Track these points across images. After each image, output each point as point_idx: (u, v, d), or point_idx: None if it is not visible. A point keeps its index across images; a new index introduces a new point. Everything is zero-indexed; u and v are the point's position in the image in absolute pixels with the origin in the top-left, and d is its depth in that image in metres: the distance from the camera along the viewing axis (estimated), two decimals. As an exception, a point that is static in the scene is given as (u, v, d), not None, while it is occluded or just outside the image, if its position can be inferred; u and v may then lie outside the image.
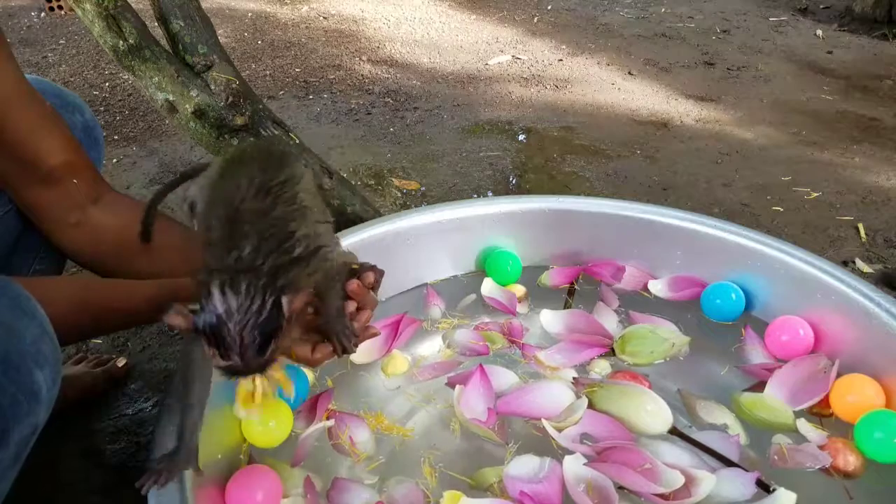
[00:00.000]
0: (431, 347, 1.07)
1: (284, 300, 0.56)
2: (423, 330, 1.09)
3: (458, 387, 0.95)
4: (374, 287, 0.74)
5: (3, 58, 0.70)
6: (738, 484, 0.82)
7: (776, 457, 0.86)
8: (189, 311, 0.55)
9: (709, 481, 0.80)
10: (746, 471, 0.83)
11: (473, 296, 1.16)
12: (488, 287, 1.16)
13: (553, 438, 0.88)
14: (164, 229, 0.78)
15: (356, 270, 0.74)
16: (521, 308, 1.14)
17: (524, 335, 1.08)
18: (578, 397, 0.93)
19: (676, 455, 0.86)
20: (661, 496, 0.79)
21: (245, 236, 0.58)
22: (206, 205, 0.63)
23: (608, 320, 1.09)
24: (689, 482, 0.80)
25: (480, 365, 0.96)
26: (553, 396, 0.93)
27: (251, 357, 0.56)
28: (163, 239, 0.77)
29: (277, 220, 0.61)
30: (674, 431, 0.90)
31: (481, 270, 1.20)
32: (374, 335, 0.77)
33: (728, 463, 0.85)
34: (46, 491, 0.95)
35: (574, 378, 0.98)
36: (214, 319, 0.54)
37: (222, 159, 0.67)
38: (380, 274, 0.75)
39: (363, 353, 1.02)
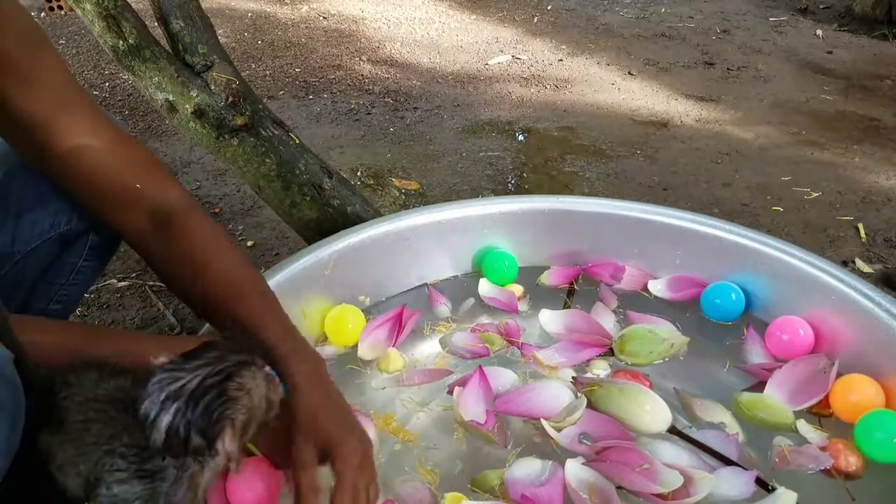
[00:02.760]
0: (428, 350, 1.06)
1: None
2: (422, 333, 1.09)
3: (457, 389, 0.95)
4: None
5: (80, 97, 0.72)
6: (738, 483, 0.82)
7: (777, 458, 0.86)
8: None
9: (708, 481, 0.80)
10: (745, 469, 0.83)
11: (472, 299, 1.16)
12: (486, 287, 1.16)
13: (552, 438, 0.88)
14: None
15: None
16: (521, 307, 1.14)
17: (521, 335, 1.08)
18: (577, 397, 0.93)
19: (675, 455, 0.86)
20: (660, 496, 0.79)
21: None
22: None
23: (606, 320, 1.09)
24: (688, 482, 0.80)
25: (480, 367, 0.96)
26: (552, 396, 0.93)
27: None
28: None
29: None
30: (673, 431, 0.90)
31: (477, 271, 1.20)
32: None
33: (727, 462, 0.85)
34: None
35: (573, 377, 0.98)
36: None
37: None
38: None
39: (369, 348, 1.03)
